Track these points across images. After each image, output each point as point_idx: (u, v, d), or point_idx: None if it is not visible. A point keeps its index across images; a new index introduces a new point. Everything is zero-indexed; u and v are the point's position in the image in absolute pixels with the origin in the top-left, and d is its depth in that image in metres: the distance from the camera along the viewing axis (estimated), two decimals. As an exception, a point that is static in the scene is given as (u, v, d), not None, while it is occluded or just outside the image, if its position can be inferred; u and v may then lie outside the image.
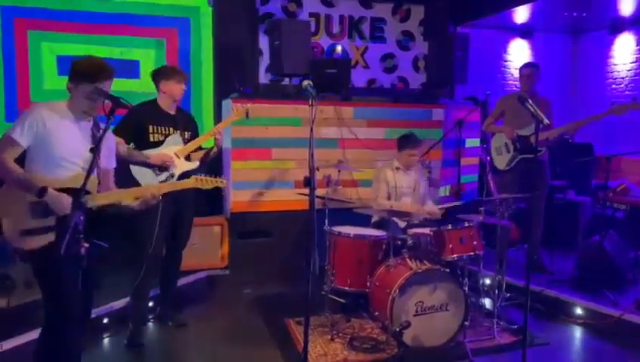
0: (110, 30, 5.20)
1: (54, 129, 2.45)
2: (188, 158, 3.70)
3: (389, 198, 4.33)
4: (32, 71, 4.99)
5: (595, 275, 4.35)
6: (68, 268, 2.33)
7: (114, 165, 2.80)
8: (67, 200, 2.40)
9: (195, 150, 3.77)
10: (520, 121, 4.75)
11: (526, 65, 4.93)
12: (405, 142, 4.34)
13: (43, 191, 2.37)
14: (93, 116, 2.57)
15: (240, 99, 4.73)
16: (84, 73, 2.46)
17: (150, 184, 3.46)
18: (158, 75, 3.67)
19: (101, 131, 2.50)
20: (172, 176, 3.62)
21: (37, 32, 5.00)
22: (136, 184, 3.52)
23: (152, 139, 3.61)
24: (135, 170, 3.58)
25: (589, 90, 7.45)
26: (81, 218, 2.13)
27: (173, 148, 3.64)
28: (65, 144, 2.48)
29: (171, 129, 3.67)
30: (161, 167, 3.56)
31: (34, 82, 5.00)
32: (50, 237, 2.44)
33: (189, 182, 3.04)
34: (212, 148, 3.84)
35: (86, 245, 2.16)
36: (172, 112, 3.71)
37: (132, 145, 3.60)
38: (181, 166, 3.65)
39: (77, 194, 2.20)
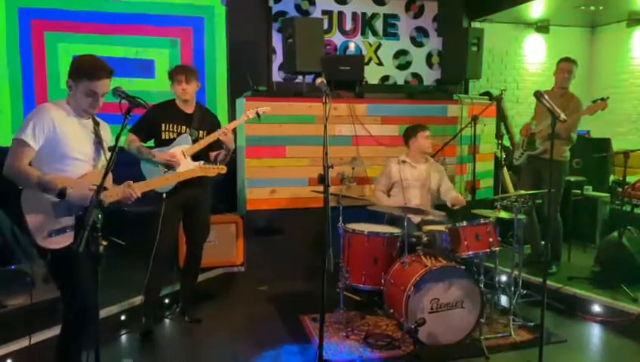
0: (125, 30, 5.26)
1: (64, 128, 2.49)
2: (196, 158, 3.64)
3: (389, 192, 4.38)
4: (49, 71, 5.07)
5: (614, 272, 4.30)
6: (86, 267, 2.36)
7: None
8: (87, 190, 2.42)
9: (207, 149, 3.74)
10: (537, 118, 4.75)
11: (558, 62, 4.86)
12: (414, 127, 4.39)
13: (62, 192, 2.41)
14: (92, 114, 2.61)
15: (254, 97, 4.76)
16: (84, 71, 2.49)
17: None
18: (168, 76, 3.73)
19: (100, 127, 2.61)
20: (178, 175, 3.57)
21: (54, 34, 5.08)
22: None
23: (164, 137, 3.67)
24: (144, 167, 3.66)
25: (607, 84, 7.32)
26: (99, 216, 2.15)
27: (182, 147, 3.66)
28: (74, 142, 2.52)
29: (184, 127, 3.69)
30: (167, 165, 3.59)
31: (51, 82, 5.08)
32: (72, 236, 2.48)
33: (195, 171, 3.34)
34: (219, 152, 3.75)
35: (104, 243, 2.19)
36: (189, 111, 3.74)
37: (150, 143, 3.64)
38: (186, 165, 3.60)
39: (96, 191, 2.22)
